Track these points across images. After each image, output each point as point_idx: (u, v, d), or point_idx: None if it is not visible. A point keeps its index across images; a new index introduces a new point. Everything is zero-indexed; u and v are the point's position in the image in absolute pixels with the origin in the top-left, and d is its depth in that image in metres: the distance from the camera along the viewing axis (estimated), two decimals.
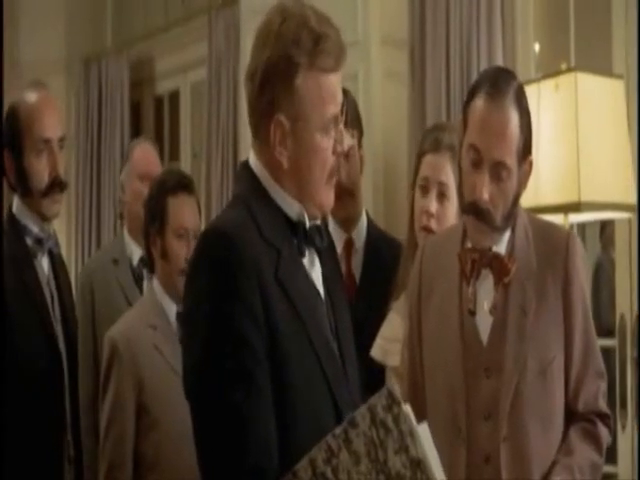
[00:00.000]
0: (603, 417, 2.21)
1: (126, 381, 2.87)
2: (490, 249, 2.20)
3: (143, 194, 3.50)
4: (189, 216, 2.99)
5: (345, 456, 1.59)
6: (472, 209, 2.16)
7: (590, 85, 2.90)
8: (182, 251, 2.95)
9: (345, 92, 1.92)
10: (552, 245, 2.22)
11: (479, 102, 2.15)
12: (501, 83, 2.16)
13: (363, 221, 3.14)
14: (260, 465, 1.65)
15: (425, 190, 2.66)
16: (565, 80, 2.88)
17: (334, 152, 1.82)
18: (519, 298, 2.17)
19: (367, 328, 2.65)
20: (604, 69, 3.17)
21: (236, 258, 1.70)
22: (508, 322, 2.16)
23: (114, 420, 2.88)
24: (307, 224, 1.83)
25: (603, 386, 2.23)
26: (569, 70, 2.94)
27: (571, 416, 2.19)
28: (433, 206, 2.63)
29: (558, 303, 2.18)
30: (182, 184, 3.01)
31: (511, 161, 2.14)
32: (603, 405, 2.22)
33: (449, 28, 3.54)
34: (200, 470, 1.73)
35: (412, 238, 2.70)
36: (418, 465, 1.60)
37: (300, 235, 1.82)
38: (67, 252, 5.59)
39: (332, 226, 3.04)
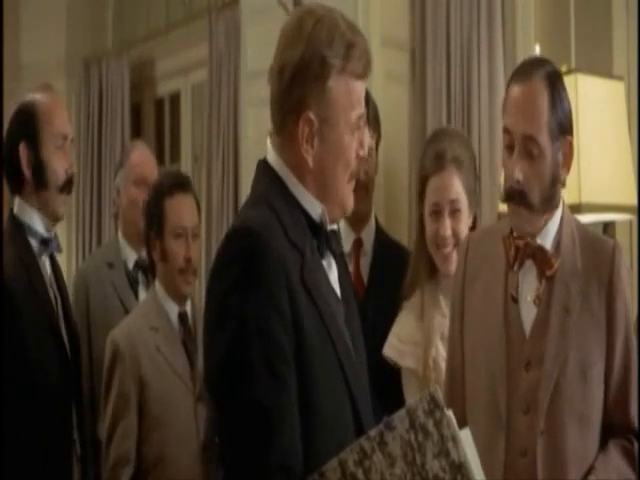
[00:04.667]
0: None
1: (128, 381, 2.89)
2: (534, 239, 2.20)
3: (138, 200, 3.52)
4: (186, 215, 3.01)
5: (379, 458, 1.59)
6: (508, 195, 2.18)
7: (590, 86, 2.90)
8: (181, 250, 2.97)
9: (367, 94, 1.94)
10: (598, 254, 2.22)
11: (511, 88, 2.19)
12: (531, 67, 2.21)
13: (372, 223, 3.15)
14: (286, 464, 1.65)
15: (437, 214, 2.69)
16: (566, 81, 2.87)
17: (357, 156, 1.84)
18: (563, 295, 2.18)
19: (376, 329, 2.66)
20: (604, 71, 3.17)
21: (265, 257, 1.70)
22: (551, 317, 2.17)
23: (117, 419, 2.90)
24: (328, 226, 1.84)
25: None
26: (569, 71, 2.94)
27: (609, 430, 2.18)
28: (448, 230, 2.67)
29: (601, 313, 2.18)
30: (178, 184, 3.03)
31: (541, 138, 2.14)
32: None
33: (450, 29, 3.54)
34: (224, 467, 1.72)
35: (424, 247, 2.74)
36: (459, 469, 1.59)
37: (322, 237, 1.83)
38: (67, 253, 5.58)
39: (342, 225, 3.06)
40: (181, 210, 3.00)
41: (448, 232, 2.67)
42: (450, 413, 1.63)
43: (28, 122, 2.77)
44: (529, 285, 2.21)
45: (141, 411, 2.91)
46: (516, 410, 2.16)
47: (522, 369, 2.18)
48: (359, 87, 1.84)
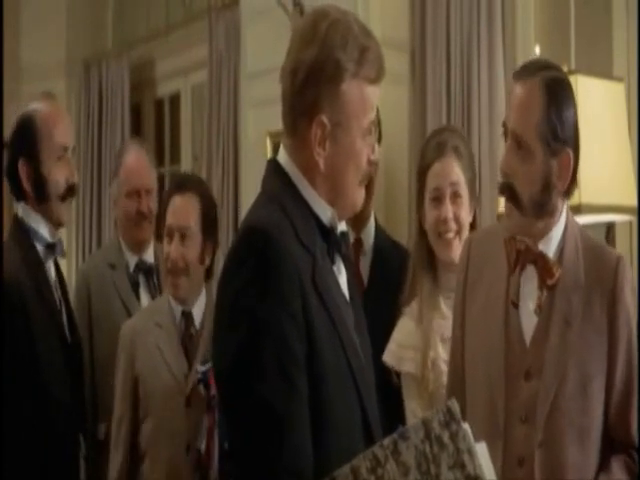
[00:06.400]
0: None
1: (126, 371, 3.04)
2: (536, 245, 2.17)
3: (131, 212, 3.52)
4: (175, 214, 3.02)
5: (392, 466, 1.58)
6: (500, 188, 2.18)
7: (590, 88, 2.90)
8: (166, 249, 3.01)
9: None
10: (602, 266, 2.18)
11: (513, 84, 2.19)
12: (532, 68, 2.19)
13: (372, 223, 3.15)
14: (296, 466, 1.64)
15: (438, 200, 2.67)
16: None
17: (368, 161, 1.84)
18: (564, 307, 2.15)
19: (375, 329, 2.65)
20: (604, 72, 3.17)
21: (278, 258, 1.69)
22: (551, 328, 2.14)
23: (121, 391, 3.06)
24: (338, 230, 1.83)
25: None
26: (569, 72, 2.93)
27: (610, 445, 2.15)
28: (449, 212, 2.65)
29: (603, 326, 2.14)
30: (176, 185, 3.10)
31: (528, 137, 2.11)
32: None
33: (449, 30, 3.54)
34: (234, 470, 1.72)
35: (423, 246, 2.71)
36: None
37: (332, 241, 1.82)
38: (67, 255, 5.58)
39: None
40: (172, 210, 3.03)
41: (450, 215, 2.64)
42: (466, 426, 1.62)
43: (26, 137, 2.77)
44: (530, 292, 2.18)
45: (135, 402, 3.00)
46: (514, 418, 2.14)
47: (522, 378, 2.15)
48: (372, 92, 1.83)
